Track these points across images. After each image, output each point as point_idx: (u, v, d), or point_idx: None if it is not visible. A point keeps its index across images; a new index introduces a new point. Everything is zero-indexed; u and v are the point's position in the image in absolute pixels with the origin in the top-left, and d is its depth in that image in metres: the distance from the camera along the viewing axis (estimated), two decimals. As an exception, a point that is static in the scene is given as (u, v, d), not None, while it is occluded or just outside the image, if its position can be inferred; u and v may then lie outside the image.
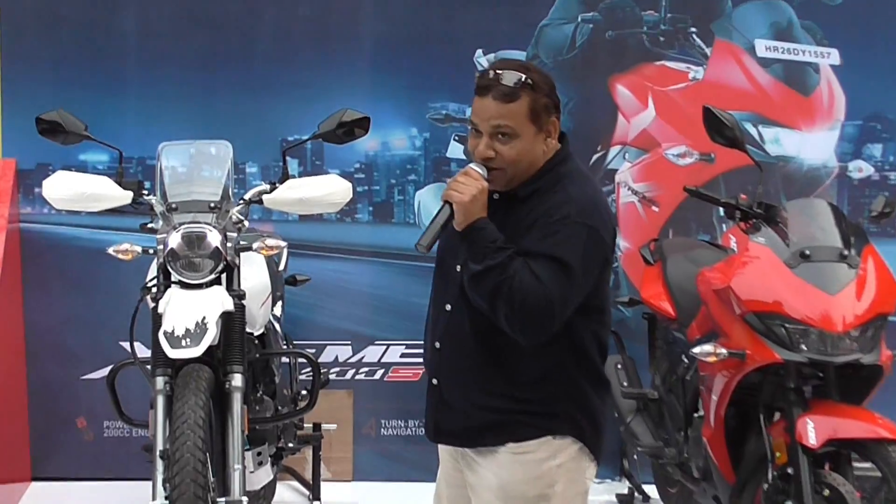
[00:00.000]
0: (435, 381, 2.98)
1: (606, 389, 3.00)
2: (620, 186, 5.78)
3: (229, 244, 3.99)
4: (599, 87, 5.73)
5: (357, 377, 5.85)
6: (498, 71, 2.86)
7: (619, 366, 5.00)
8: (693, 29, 5.68)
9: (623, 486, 5.34)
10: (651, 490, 5.27)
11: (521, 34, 5.71)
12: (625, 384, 4.93)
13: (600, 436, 2.92)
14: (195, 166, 4.41)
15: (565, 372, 2.86)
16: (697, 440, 4.34)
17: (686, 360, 4.53)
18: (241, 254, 4.17)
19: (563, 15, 5.68)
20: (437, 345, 2.96)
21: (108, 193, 4.34)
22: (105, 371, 4.50)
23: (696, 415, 4.43)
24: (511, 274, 2.72)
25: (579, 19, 5.67)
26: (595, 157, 5.76)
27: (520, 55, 5.63)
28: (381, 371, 5.84)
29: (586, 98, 5.75)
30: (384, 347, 5.81)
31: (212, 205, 4.10)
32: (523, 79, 2.83)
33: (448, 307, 2.91)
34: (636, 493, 5.25)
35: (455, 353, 2.93)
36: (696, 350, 4.14)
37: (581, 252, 2.76)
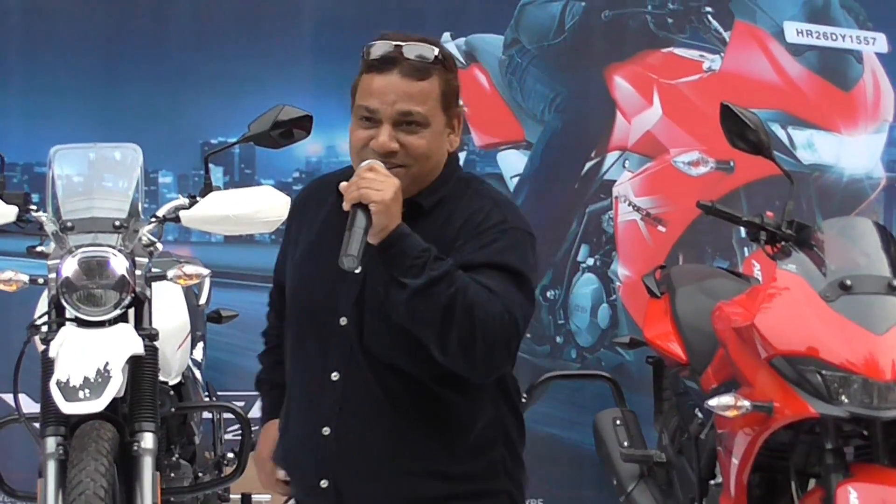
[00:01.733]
0: (325, 484, 2.70)
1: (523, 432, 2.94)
2: (619, 201, 5.97)
3: (138, 272, 4.02)
4: (594, 79, 5.94)
5: (297, 436, 5.78)
6: (398, 42, 2.72)
7: (618, 421, 4.90)
8: (708, 9, 5.74)
9: (623, 570, 5.42)
10: (659, 573, 5.28)
11: (497, 14, 5.91)
12: (625, 444, 4.81)
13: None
14: (96, 175, 4.36)
15: (502, 427, 2.78)
16: (714, 513, 4.42)
17: (700, 415, 4.50)
18: (154, 284, 4.19)
19: (549, -12, 5.83)
20: (326, 431, 2.68)
21: None
22: (-20, 430, 4.53)
23: (712, 482, 4.40)
24: (462, 285, 2.58)
25: (569, -6, 5.86)
26: (588, 165, 5.96)
27: (497, 40, 5.85)
28: (328, 428, 5.73)
29: (577, 92, 5.96)
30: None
31: (116, 223, 4.09)
32: (436, 53, 2.72)
33: (335, 376, 2.67)
34: None
35: (360, 436, 2.70)
36: (713, 402, 4.09)
37: (529, 261, 2.70)
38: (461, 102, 2.79)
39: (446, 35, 5.80)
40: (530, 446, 5.50)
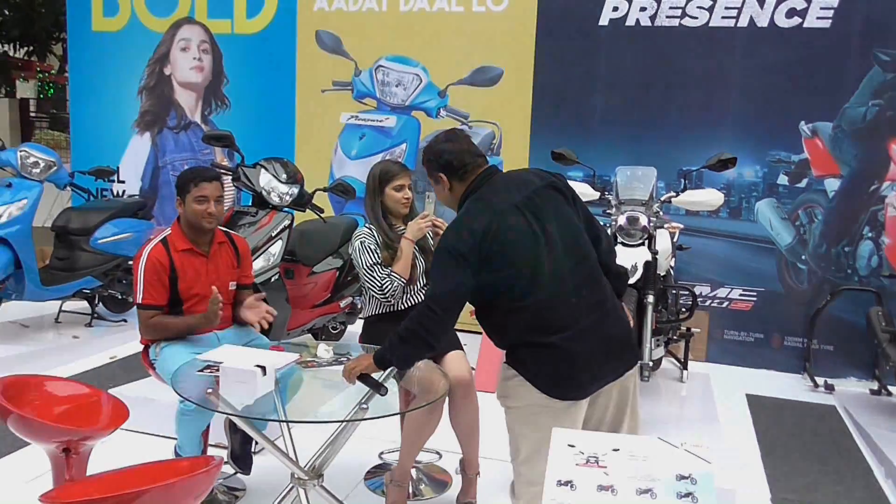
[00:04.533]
0: None
1: (538, 348, 2.99)
2: (888, 206, 7.02)
3: (651, 224, 5.41)
4: (881, 146, 7.02)
5: (712, 305, 7.31)
6: None
7: (880, 313, 6.24)
8: None
9: (875, 385, 6.74)
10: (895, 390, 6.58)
11: (830, 111, 7.04)
12: (883, 324, 6.08)
13: (543, 378, 2.98)
14: (632, 181, 5.77)
15: (504, 335, 3.09)
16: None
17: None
18: (658, 230, 5.57)
19: (860, 100, 6.98)
20: None
21: None
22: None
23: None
24: (402, 336, 3.04)
25: (870, 104, 6.94)
26: (872, 188, 7.04)
27: (827, 125, 7.01)
28: (727, 302, 7.25)
29: (871, 155, 7.01)
30: (729, 289, 7.21)
31: (643, 201, 5.49)
32: (423, 158, 3.20)
33: None
34: (883, 391, 6.60)
35: None
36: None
37: (439, 267, 3.02)
38: (444, 169, 3.19)
39: (802, 122, 6.98)
40: (833, 325, 7.01)
